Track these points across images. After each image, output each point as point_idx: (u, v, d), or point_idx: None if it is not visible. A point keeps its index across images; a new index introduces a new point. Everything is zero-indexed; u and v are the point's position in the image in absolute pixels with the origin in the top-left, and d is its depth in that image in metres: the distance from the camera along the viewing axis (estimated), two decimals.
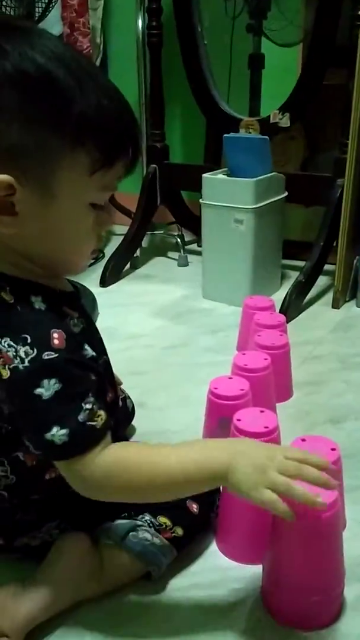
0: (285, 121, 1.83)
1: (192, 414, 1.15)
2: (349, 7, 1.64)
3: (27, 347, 0.65)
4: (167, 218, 2.31)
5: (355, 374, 1.39)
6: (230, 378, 1.10)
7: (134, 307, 1.80)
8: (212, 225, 1.76)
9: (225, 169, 1.80)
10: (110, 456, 0.68)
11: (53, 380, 0.65)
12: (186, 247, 2.20)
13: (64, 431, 0.65)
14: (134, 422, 1.15)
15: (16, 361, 0.65)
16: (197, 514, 0.85)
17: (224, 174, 1.78)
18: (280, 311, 1.60)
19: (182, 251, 2.16)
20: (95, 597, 0.79)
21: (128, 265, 2.11)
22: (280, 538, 0.75)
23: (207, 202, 1.75)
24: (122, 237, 2.12)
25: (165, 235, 2.32)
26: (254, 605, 0.79)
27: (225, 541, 0.89)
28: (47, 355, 0.65)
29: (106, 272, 1.98)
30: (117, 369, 1.05)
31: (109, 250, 2.12)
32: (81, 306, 0.78)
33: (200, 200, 1.76)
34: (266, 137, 1.73)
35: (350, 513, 0.91)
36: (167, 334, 1.62)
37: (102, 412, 0.69)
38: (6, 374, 0.65)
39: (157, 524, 0.81)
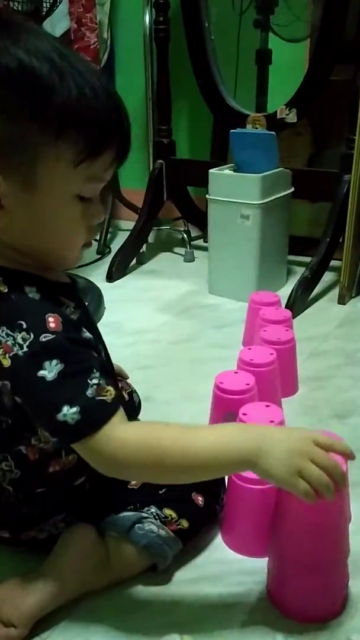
0: (292, 117, 1.83)
1: (198, 408, 1.16)
2: (357, 2, 1.64)
3: (24, 333, 0.65)
4: (173, 213, 2.31)
5: None
6: (236, 373, 1.11)
7: (140, 303, 1.81)
8: (218, 221, 1.76)
9: (232, 164, 1.80)
10: (134, 433, 0.68)
11: (54, 361, 0.65)
12: (192, 242, 2.20)
13: (74, 409, 0.65)
14: (140, 417, 1.15)
15: (15, 348, 0.65)
16: (203, 506, 0.85)
17: (230, 170, 1.78)
18: (286, 307, 1.60)
19: (188, 247, 2.16)
20: (101, 589, 0.80)
21: (134, 261, 2.11)
22: (285, 531, 0.75)
23: (214, 198, 1.75)
24: (128, 233, 2.12)
25: (171, 230, 2.32)
26: (259, 597, 0.80)
27: (230, 534, 0.89)
28: (45, 338, 0.65)
29: (112, 267, 1.98)
30: (123, 363, 1.06)
31: (116, 246, 2.12)
32: (78, 298, 0.77)
33: (207, 196, 1.77)
34: (273, 132, 1.73)
35: (356, 508, 0.92)
36: (173, 329, 1.62)
37: (110, 388, 0.68)
38: (7, 362, 0.66)
39: (163, 516, 0.82)
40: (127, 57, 2.35)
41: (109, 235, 2.31)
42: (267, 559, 0.81)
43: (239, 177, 1.72)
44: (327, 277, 1.84)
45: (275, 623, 0.76)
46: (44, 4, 1.69)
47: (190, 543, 0.85)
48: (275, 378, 1.17)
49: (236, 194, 1.70)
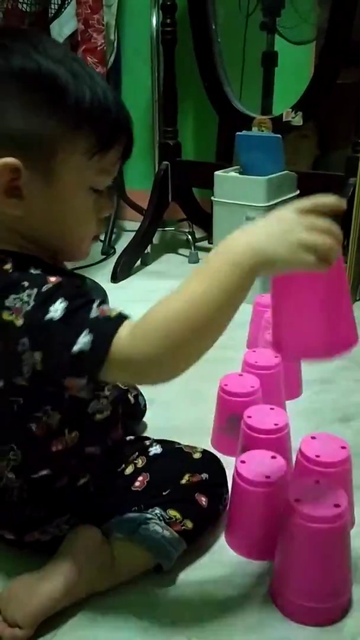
0: (297, 120, 1.83)
1: (202, 410, 1.16)
2: None
3: (27, 290, 0.67)
4: (178, 215, 2.32)
5: None
6: (240, 375, 1.11)
7: (144, 303, 1.77)
8: (223, 223, 1.77)
9: (237, 166, 1.80)
10: (136, 328, 0.69)
11: (58, 301, 0.66)
12: (197, 244, 2.20)
13: (86, 335, 0.65)
14: (144, 419, 1.16)
15: (25, 307, 0.67)
16: (206, 507, 0.85)
17: (235, 172, 1.78)
18: None
19: (192, 248, 2.17)
20: (105, 590, 0.80)
21: (139, 262, 2.11)
22: (290, 538, 0.75)
23: (219, 200, 1.75)
24: (133, 234, 2.12)
25: (176, 232, 2.32)
26: (262, 600, 0.80)
27: (233, 537, 0.89)
28: (46, 287, 0.67)
29: (117, 268, 1.99)
30: None
31: (120, 247, 2.13)
32: (85, 286, 0.78)
33: (212, 198, 1.77)
34: (279, 135, 1.73)
35: (359, 512, 0.92)
36: None
37: (113, 310, 0.70)
38: (21, 321, 0.67)
39: (167, 517, 0.82)
40: (134, 58, 2.35)
41: (113, 236, 2.32)
42: (270, 561, 0.81)
43: (244, 179, 1.72)
44: None
45: (279, 625, 0.76)
46: (52, 5, 1.69)
47: (194, 544, 0.86)
48: (280, 381, 1.17)
49: (241, 196, 1.70)
